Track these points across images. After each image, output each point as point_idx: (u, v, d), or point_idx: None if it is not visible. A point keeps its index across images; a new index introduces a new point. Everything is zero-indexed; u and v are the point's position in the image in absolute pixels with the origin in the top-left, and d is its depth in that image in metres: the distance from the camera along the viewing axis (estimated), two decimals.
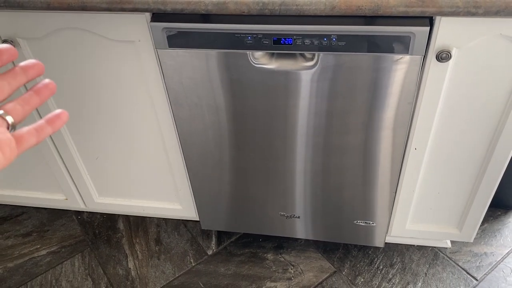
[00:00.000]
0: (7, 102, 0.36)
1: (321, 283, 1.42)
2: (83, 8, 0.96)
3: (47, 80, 0.39)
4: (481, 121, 1.05)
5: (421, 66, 0.95)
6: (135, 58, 1.09)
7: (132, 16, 1.00)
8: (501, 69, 0.94)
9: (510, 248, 1.48)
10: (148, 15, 0.99)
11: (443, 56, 0.93)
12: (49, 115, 0.39)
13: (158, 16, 0.98)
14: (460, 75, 0.97)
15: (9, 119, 0.36)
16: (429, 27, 0.89)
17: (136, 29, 1.02)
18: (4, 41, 1.10)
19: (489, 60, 0.93)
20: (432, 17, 0.90)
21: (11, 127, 0.36)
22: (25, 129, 0.37)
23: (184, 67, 1.05)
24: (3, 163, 0.34)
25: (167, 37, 0.99)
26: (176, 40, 0.99)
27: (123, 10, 0.95)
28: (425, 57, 0.95)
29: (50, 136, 1.33)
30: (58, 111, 0.39)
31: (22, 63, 0.37)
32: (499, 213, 1.60)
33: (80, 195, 1.52)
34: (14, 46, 1.10)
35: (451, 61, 0.95)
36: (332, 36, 0.92)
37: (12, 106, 0.37)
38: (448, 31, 0.90)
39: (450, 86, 0.99)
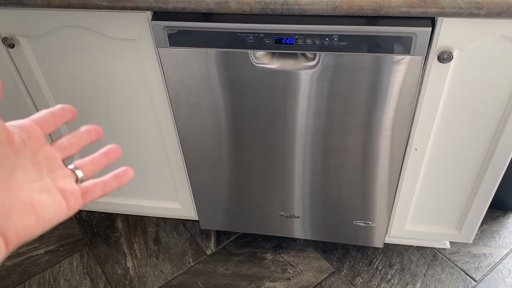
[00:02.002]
0: (79, 159, 0.39)
1: (320, 283, 1.42)
2: (84, 6, 0.95)
3: (113, 146, 0.43)
4: (482, 122, 1.05)
5: (423, 67, 0.95)
6: (135, 56, 1.08)
7: (133, 14, 0.99)
8: (503, 70, 0.94)
9: (508, 249, 1.48)
10: (149, 14, 0.99)
11: (445, 57, 0.93)
12: (117, 171, 0.41)
13: (159, 15, 0.98)
14: (461, 76, 0.97)
15: (79, 173, 0.38)
16: (431, 28, 0.89)
17: (137, 28, 1.02)
18: (4, 39, 1.09)
19: (490, 61, 0.93)
20: (434, 17, 0.90)
21: (80, 181, 0.38)
22: (92, 181, 0.39)
23: (184, 66, 1.04)
24: (66, 212, 0.35)
25: (168, 35, 0.99)
26: (177, 39, 0.99)
27: (124, 8, 0.95)
28: (426, 58, 0.95)
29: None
30: (124, 168, 0.42)
31: (85, 127, 0.42)
32: (498, 214, 1.61)
33: None
34: (14, 44, 1.10)
35: (452, 62, 0.95)
36: (334, 36, 0.92)
37: (83, 163, 0.39)
38: (450, 32, 0.90)
39: (451, 87, 0.99)
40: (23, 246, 1.58)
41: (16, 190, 0.32)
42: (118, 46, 1.07)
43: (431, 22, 0.90)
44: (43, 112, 0.38)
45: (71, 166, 0.38)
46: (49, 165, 0.36)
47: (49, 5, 0.97)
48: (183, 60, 1.03)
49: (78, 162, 0.39)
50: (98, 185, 0.39)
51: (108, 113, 1.24)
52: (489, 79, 0.96)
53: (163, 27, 0.98)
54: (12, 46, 1.10)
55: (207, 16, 0.96)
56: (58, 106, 0.40)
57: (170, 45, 1.01)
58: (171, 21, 0.96)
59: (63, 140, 0.39)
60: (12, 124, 0.34)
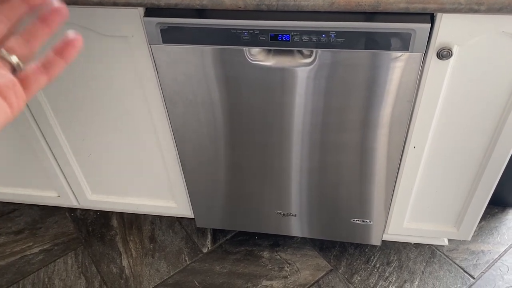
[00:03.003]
0: (10, 38, 0.30)
1: (317, 281, 1.41)
2: (74, 2, 0.93)
3: (56, 3, 0.30)
4: (481, 119, 1.03)
5: (421, 64, 0.93)
6: (128, 54, 1.06)
7: (125, 10, 0.97)
8: (503, 67, 0.93)
9: (507, 246, 1.47)
10: (141, 10, 0.96)
11: (444, 54, 0.91)
12: (58, 43, 0.30)
13: (151, 11, 0.96)
14: (460, 73, 0.95)
15: (13, 59, 0.29)
16: (430, 24, 0.86)
17: (129, 24, 0.99)
18: None
19: (490, 58, 0.91)
20: (433, 13, 0.88)
21: (17, 67, 0.30)
22: (30, 67, 0.30)
23: (178, 63, 1.02)
24: (9, 112, 0.28)
25: (161, 32, 0.96)
26: (170, 36, 0.97)
27: (115, 4, 0.92)
28: (425, 54, 0.93)
29: (41, 132, 1.30)
30: (69, 35, 0.31)
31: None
32: (496, 210, 1.59)
33: (73, 192, 1.50)
34: None
35: (452, 59, 0.93)
36: (331, 32, 0.90)
37: (15, 42, 0.30)
38: (449, 28, 0.88)
39: (450, 84, 0.97)
40: (17, 245, 1.56)
41: None
42: (109, 43, 1.05)
43: (430, 18, 0.88)
44: None
45: (1, 52, 0.29)
46: None
47: None
48: (177, 57, 1.01)
49: (8, 43, 0.29)
50: (39, 70, 0.30)
51: (100, 111, 1.22)
52: (489, 76, 0.94)
53: (155, 23, 0.95)
54: None
55: (200, 12, 0.94)
56: None
57: (163, 42, 0.98)
58: (164, 18, 0.94)
59: None
60: None
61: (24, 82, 0.29)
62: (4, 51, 0.29)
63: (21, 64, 0.30)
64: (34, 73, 0.30)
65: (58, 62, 0.31)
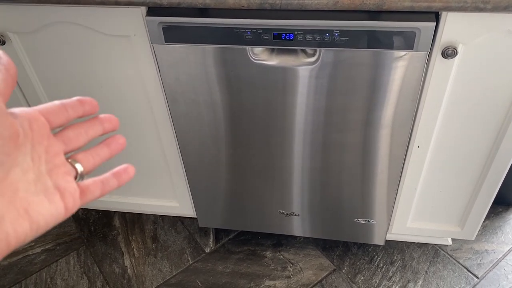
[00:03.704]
0: (80, 151, 0.36)
1: (320, 281, 1.40)
2: (76, 2, 0.92)
3: (117, 135, 0.39)
4: (486, 118, 1.02)
5: (426, 63, 0.93)
6: (130, 53, 1.05)
7: (127, 10, 0.96)
8: (508, 66, 0.92)
9: (511, 246, 1.47)
10: (143, 9, 0.96)
11: (449, 53, 0.90)
12: (117, 168, 0.38)
13: (154, 10, 0.95)
14: (465, 72, 0.94)
15: (79, 167, 0.35)
16: (435, 23, 0.86)
17: (131, 24, 0.99)
18: None
19: (496, 56, 0.91)
20: (438, 12, 0.87)
21: (79, 177, 0.35)
22: (91, 180, 0.36)
23: (180, 63, 1.01)
24: (63, 215, 0.32)
25: (163, 31, 0.96)
26: (173, 35, 0.96)
27: (117, 4, 0.91)
28: (430, 53, 0.92)
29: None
30: (124, 165, 0.39)
31: (100, 116, 0.38)
32: (500, 209, 1.59)
33: None
34: (5, 41, 1.07)
35: (457, 58, 0.92)
36: (335, 31, 0.89)
37: (83, 155, 0.36)
38: (454, 27, 0.87)
39: (455, 83, 0.97)
40: None
41: (11, 193, 0.29)
42: (111, 43, 1.04)
43: (435, 16, 0.87)
44: (53, 103, 0.34)
45: (70, 159, 0.35)
46: (50, 160, 0.33)
47: (40, 1, 0.93)
48: (179, 56, 1.00)
49: (79, 155, 0.36)
50: (97, 184, 0.36)
51: (103, 111, 1.21)
52: (494, 75, 0.94)
53: (158, 23, 0.94)
54: (3, 43, 1.07)
55: (203, 12, 0.93)
56: (74, 98, 0.36)
57: (165, 42, 0.97)
58: (166, 17, 0.93)
59: (69, 132, 0.35)
60: (14, 111, 0.30)
61: (82, 191, 0.34)
62: (75, 160, 0.35)
63: (84, 175, 0.35)
64: (93, 185, 0.35)
65: (112, 182, 0.37)
